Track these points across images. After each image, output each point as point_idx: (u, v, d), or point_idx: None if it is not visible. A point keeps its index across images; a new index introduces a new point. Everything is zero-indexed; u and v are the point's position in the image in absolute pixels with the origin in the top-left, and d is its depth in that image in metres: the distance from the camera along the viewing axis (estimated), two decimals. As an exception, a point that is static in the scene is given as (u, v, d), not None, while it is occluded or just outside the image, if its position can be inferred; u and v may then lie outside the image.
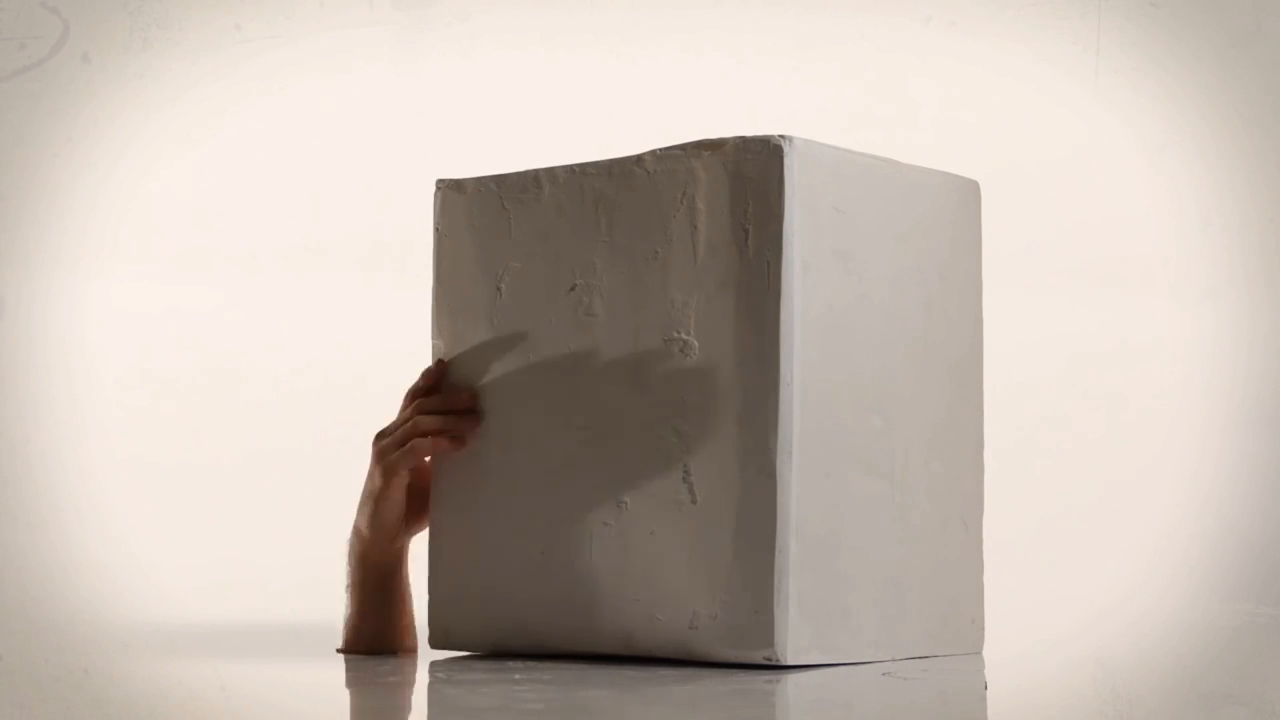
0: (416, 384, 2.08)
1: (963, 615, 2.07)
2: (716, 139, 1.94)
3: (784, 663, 1.88)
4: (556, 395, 2.00)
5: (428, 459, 2.07)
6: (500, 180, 2.06)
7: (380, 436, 2.07)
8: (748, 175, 1.91)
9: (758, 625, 1.88)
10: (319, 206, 3.30)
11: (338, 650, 2.11)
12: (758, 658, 1.88)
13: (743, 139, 1.93)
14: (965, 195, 2.09)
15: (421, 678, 1.94)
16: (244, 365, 3.30)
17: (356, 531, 2.09)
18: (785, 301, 1.89)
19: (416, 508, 2.08)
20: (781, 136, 1.91)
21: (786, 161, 1.90)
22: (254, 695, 1.86)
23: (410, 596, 2.13)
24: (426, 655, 2.08)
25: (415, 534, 2.10)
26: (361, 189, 3.28)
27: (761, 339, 1.90)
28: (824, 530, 1.91)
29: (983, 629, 2.10)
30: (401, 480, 2.05)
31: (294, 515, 2.99)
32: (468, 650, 2.06)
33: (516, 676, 1.86)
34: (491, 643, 2.04)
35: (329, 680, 1.94)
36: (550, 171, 2.03)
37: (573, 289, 2.00)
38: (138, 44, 3.21)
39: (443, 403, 2.05)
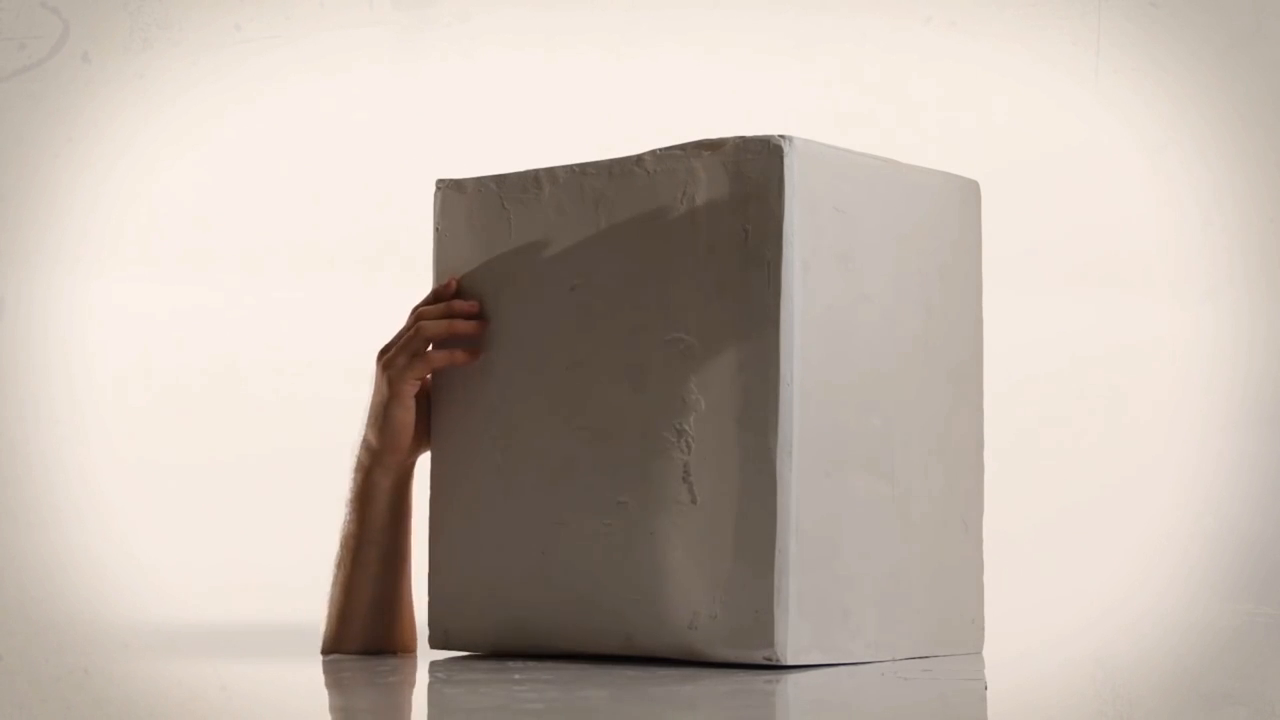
0: (425, 299, 2.07)
1: (963, 615, 2.07)
2: (716, 139, 1.94)
3: (784, 663, 1.88)
4: (556, 395, 2.00)
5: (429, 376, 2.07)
6: (500, 180, 2.06)
7: (384, 351, 2.06)
8: (748, 175, 1.91)
9: (758, 625, 1.88)
10: (319, 206, 3.30)
11: (323, 652, 2.10)
12: (758, 658, 1.88)
13: (743, 139, 1.92)
14: (965, 195, 2.09)
15: (421, 678, 1.94)
16: (244, 365, 3.30)
17: (365, 445, 2.07)
18: (785, 302, 1.89)
19: (425, 422, 2.07)
20: (782, 136, 1.91)
21: (787, 161, 1.90)
22: (254, 695, 1.86)
23: (410, 583, 2.12)
24: (426, 655, 2.07)
25: (423, 452, 2.09)
26: (361, 189, 3.28)
27: (762, 339, 1.90)
28: (824, 530, 1.91)
29: (983, 629, 2.10)
30: (411, 388, 2.04)
31: (294, 515, 2.99)
32: (468, 650, 2.06)
33: (516, 676, 1.86)
34: (491, 643, 2.04)
35: (329, 680, 1.94)
36: (550, 171, 2.03)
37: (573, 289, 2.00)
38: (138, 44, 3.21)
39: (447, 309, 2.04)
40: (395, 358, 2.04)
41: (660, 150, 1.97)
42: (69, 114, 3.21)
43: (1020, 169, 3.14)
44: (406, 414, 2.05)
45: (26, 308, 3.22)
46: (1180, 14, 3.13)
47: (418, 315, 2.06)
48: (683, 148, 1.95)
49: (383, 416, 2.05)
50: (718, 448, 1.91)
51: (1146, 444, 3.15)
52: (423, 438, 2.08)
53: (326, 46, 3.26)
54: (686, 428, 1.93)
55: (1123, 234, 3.18)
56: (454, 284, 2.07)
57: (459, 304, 2.05)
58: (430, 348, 2.05)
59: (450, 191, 2.09)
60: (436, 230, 2.10)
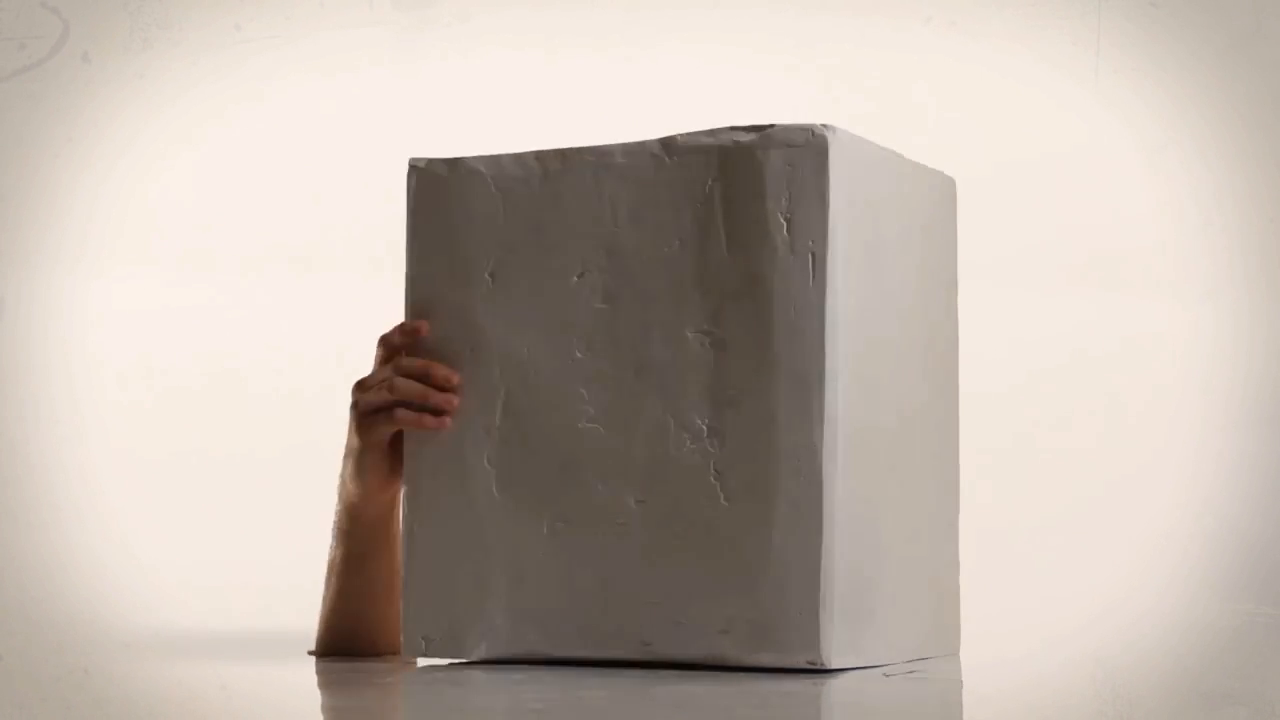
0: (391, 335, 2.00)
1: (951, 616, 2.07)
2: (753, 125, 1.89)
3: (828, 666, 1.84)
4: (569, 389, 1.94)
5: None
6: (493, 161, 1.98)
7: (360, 386, 2.00)
8: (790, 164, 1.86)
9: (801, 628, 1.84)
10: (319, 206, 3.30)
11: (310, 652, 2.10)
12: (801, 661, 1.84)
13: (784, 126, 1.86)
14: (945, 190, 2.07)
15: (420, 678, 1.93)
16: (244, 365, 3.30)
17: (343, 483, 2.04)
18: (830, 295, 1.84)
19: (400, 459, 2.02)
20: (825, 125, 1.87)
21: (832, 152, 1.86)
22: (254, 695, 1.86)
23: (400, 601, 2.11)
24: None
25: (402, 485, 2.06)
26: (362, 189, 3.28)
27: (805, 334, 1.85)
28: (859, 531, 1.88)
29: (959, 630, 2.08)
30: (381, 440, 2.00)
31: (294, 515, 2.99)
32: (469, 657, 2.05)
33: (517, 676, 1.86)
34: (494, 653, 2.02)
35: (328, 681, 1.94)
36: (560, 152, 1.94)
37: (581, 275, 1.94)
38: (138, 44, 3.21)
39: (426, 372, 1.97)
40: (365, 415, 1.99)
41: (684, 135, 1.90)
42: (69, 114, 3.21)
43: (1020, 169, 3.14)
44: (381, 459, 2.01)
45: (26, 308, 3.22)
46: (1180, 14, 3.13)
47: (396, 367, 1.99)
48: (713, 132, 1.90)
49: (356, 464, 2.02)
50: (752, 446, 1.87)
51: (1146, 444, 3.15)
52: (399, 472, 2.02)
53: (326, 46, 3.26)
54: (717, 425, 1.89)
55: (1123, 234, 3.18)
56: (424, 328, 1.98)
57: (438, 373, 1.97)
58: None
59: (427, 173, 2.00)
60: (411, 215, 2.00)
